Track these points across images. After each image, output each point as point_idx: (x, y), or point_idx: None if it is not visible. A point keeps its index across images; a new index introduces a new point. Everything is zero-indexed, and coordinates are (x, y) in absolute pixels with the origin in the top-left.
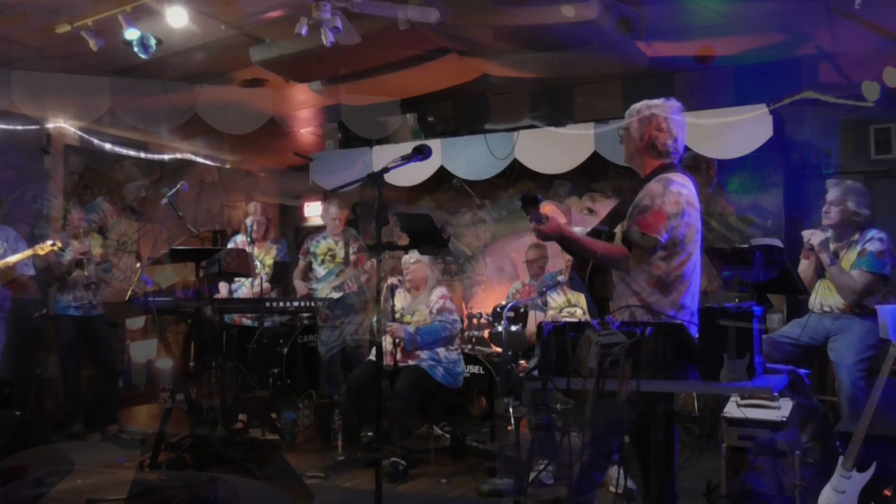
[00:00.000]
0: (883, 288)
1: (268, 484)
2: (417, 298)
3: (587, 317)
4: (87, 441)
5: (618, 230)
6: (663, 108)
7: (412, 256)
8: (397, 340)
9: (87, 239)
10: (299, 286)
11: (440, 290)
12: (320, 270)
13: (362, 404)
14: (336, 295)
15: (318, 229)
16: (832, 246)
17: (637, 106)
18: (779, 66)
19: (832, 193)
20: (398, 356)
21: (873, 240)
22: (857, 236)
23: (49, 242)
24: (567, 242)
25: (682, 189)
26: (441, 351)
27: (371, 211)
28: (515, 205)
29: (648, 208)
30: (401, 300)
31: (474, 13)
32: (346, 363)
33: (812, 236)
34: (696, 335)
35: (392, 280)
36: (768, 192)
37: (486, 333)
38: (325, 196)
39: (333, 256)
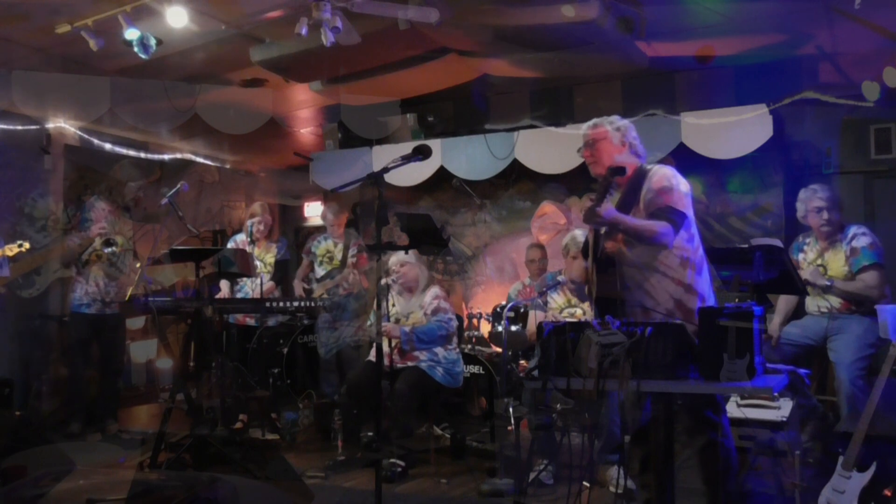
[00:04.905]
0: (886, 276)
1: (268, 484)
2: (411, 301)
3: (587, 317)
4: (87, 441)
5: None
6: (619, 121)
7: (399, 258)
8: (393, 342)
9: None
10: (297, 287)
11: (434, 291)
12: (319, 271)
13: (362, 404)
14: (335, 297)
15: (320, 229)
16: (815, 250)
17: (597, 121)
18: (779, 66)
19: (820, 200)
20: (395, 357)
21: (858, 236)
22: (838, 236)
23: (17, 243)
24: (616, 223)
25: (679, 175)
26: (440, 351)
27: (371, 211)
28: (516, 205)
29: (668, 188)
30: (395, 303)
31: (474, 13)
32: (343, 365)
33: (802, 272)
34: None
35: (385, 280)
36: (768, 192)
37: (486, 333)
38: (325, 196)
39: (331, 258)
